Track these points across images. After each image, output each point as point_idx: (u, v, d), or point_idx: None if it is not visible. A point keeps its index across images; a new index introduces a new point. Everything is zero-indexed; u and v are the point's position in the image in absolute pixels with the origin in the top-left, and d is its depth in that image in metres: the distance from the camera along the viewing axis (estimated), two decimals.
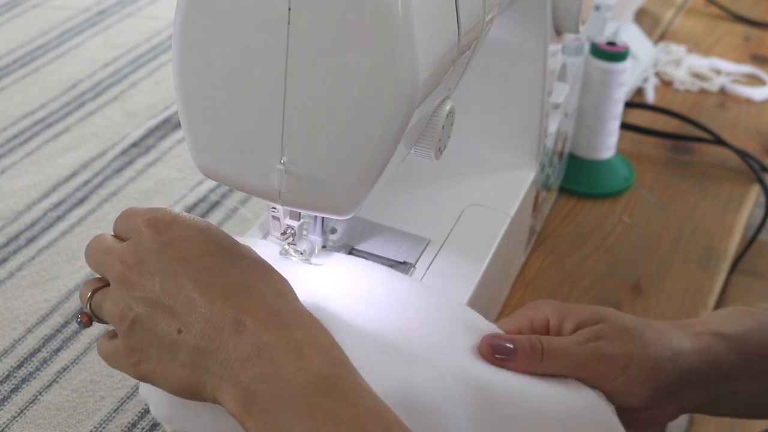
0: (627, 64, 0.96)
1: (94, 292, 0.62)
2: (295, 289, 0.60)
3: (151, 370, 0.59)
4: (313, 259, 0.70)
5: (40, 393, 0.72)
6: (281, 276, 0.61)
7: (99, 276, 0.63)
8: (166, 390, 0.59)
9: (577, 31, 0.79)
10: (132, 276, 0.59)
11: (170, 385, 0.59)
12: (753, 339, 0.68)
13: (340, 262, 0.70)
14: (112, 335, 0.62)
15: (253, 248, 0.67)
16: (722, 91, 1.18)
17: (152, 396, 0.65)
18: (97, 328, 0.76)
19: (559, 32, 0.79)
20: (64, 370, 0.74)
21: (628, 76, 0.97)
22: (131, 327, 0.59)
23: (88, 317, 0.62)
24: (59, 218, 0.88)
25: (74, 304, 0.79)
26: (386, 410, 0.55)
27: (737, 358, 0.67)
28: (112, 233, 0.64)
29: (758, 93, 1.17)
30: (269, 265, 0.61)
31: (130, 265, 0.59)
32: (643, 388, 0.66)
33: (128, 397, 0.72)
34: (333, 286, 0.67)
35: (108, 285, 0.61)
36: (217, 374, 0.56)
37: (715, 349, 0.67)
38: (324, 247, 0.71)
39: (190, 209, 0.90)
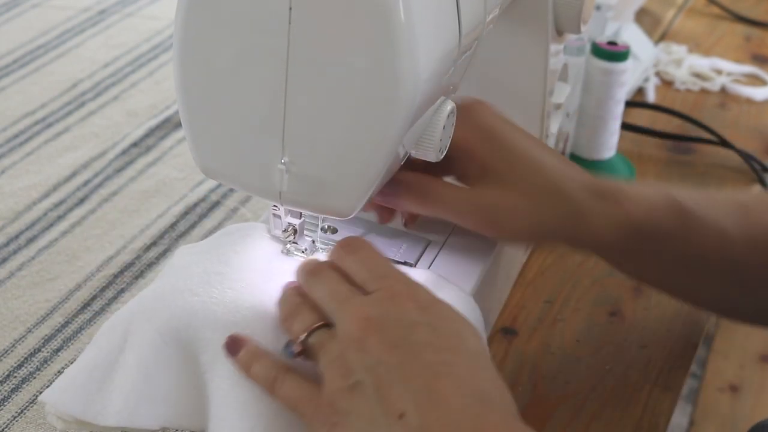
0: (628, 64, 0.96)
1: (314, 328, 0.57)
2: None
3: None
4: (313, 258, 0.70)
5: (40, 393, 0.72)
6: (511, 396, 0.55)
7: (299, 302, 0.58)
8: None
9: (578, 32, 0.79)
10: (371, 339, 0.53)
11: None
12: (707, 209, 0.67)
13: None
14: (304, 378, 0.57)
15: (256, 244, 0.67)
16: (723, 91, 1.18)
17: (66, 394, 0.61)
18: (97, 328, 0.76)
19: (560, 32, 0.79)
20: (64, 370, 0.73)
21: (629, 76, 0.97)
22: (351, 390, 0.53)
23: (303, 351, 0.57)
24: (59, 218, 0.88)
25: (74, 304, 0.79)
26: None
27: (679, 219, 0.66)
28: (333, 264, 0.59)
29: (759, 93, 1.17)
30: (501, 377, 0.55)
31: (372, 327, 0.54)
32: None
33: None
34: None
35: (324, 326, 0.57)
36: None
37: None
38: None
39: (190, 209, 0.90)
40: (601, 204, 0.66)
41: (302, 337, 0.57)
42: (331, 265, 0.60)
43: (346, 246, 0.60)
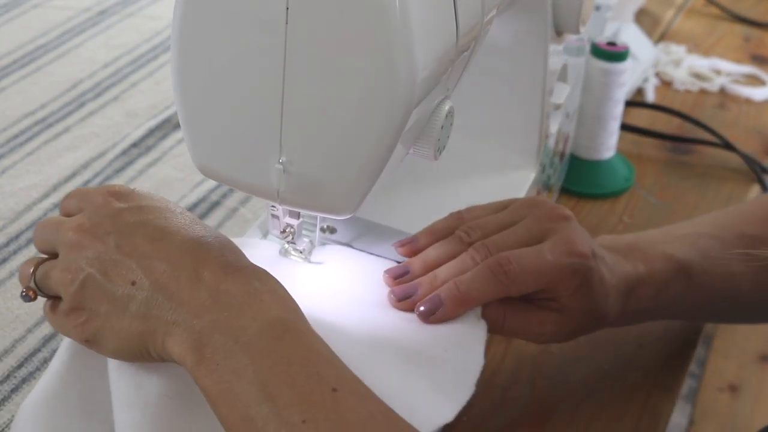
0: (627, 65, 0.96)
1: (38, 264, 0.62)
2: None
3: (99, 326, 0.58)
4: (312, 257, 0.70)
5: None
6: (231, 240, 0.61)
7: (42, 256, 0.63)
8: (111, 351, 0.59)
9: (577, 32, 0.79)
10: (86, 238, 0.59)
11: (117, 341, 0.58)
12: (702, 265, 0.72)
13: (339, 257, 0.71)
14: (58, 301, 0.61)
15: (253, 248, 0.68)
16: (722, 92, 1.18)
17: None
18: None
19: (559, 33, 0.79)
20: None
21: (628, 77, 0.97)
22: (81, 286, 0.58)
23: (33, 291, 0.62)
24: None
25: None
26: (337, 359, 0.56)
27: (685, 281, 0.71)
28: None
29: (758, 93, 1.17)
30: (218, 231, 0.62)
31: (84, 228, 0.60)
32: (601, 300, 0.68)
33: None
34: (331, 285, 0.67)
35: (48, 260, 0.61)
36: (170, 321, 0.56)
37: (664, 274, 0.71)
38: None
39: (190, 209, 0.90)
40: (626, 302, 0.71)
41: (29, 275, 0.62)
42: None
43: (71, 193, 0.65)
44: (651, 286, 0.71)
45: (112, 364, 0.60)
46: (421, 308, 0.65)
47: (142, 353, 0.58)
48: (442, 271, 0.67)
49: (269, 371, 0.53)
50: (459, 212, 0.72)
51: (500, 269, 0.65)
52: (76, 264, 0.59)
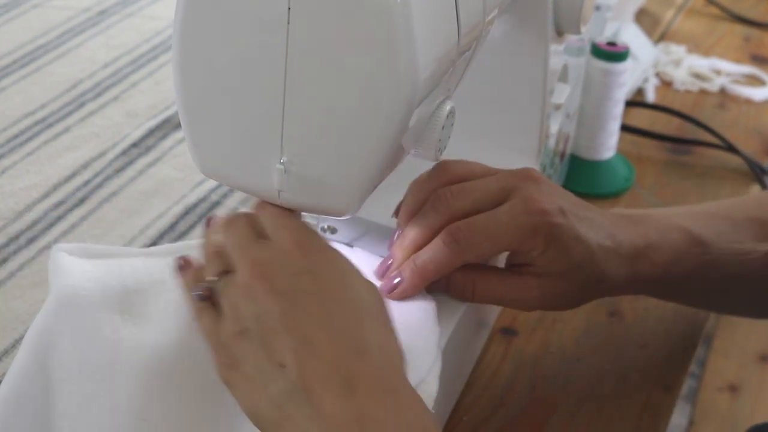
0: (627, 65, 0.96)
1: (224, 274, 0.58)
2: None
3: (238, 382, 0.56)
4: None
5: None
6: (400, 347, 0.57)
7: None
8: (241, 406, 0.56)
9: (578, 32, 0.79)
10: (259, 287, 0.55)
11: (248, 408, 0.55)
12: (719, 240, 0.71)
13: None
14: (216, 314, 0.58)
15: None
16: (722, 92, 1.18)
17: None
18: None
19: (560, 33, 0.79)
20: None
21: (628, 77, 0.97)
22: (240, 335, 0.55)
23: (210, 294, 0.59)
24: (59, 218, 0.88)
25: None
26: None
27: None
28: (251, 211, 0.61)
29: (758, 93, 1.17)
30: (393, 328, 0.58)
31: (260, 274, 0.56)
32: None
33: None
34: None
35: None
36: (303, 428, 0.52)
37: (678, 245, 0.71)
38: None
39: (190, 209, 0.90)
40: (635, 266, 0.70)
41: (214, 277, 0.59)
42: (246, 215, 0.61)
43: (263, 202, 0.61)
44: (665, 253, 0.70)
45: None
46: (387, 288, 0.66)
47: (263, 429, 0.55)
48: (419, 256, 0.67)
49: None
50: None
51: (450, 238, 0.65)
52: (244, 309, 0.56)
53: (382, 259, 0.70)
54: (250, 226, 0.60)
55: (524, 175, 0.69)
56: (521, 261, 0.68)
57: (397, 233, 0.69)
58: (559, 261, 0.67)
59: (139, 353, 0.60)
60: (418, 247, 0.67)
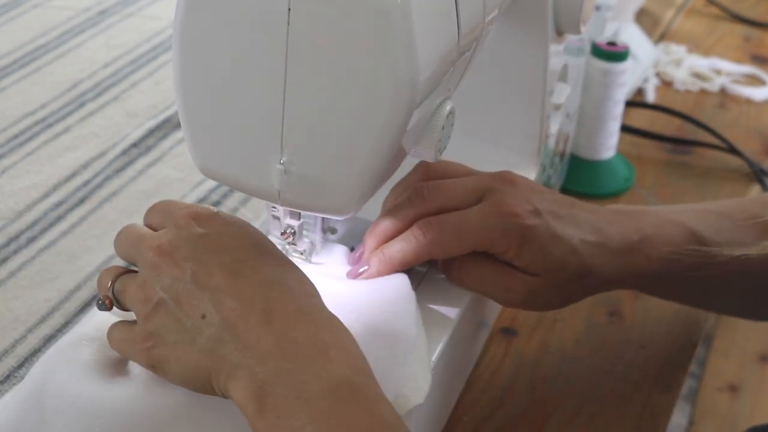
0: (627, 65, 0.96)
1: (117, 276, 0.61)
2: None
3: (166, 355, 0.58)
4: (314, 259, 0.70)
5: None
6: (310, 279, 0.60)
7: (122, 265, 0.63)
8: (175, 379, 0.58)
9: (578, 32, 0.79)
10: (164, 261, 0.58)
11: (181, 372, 0.58)
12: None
13: (341, 259, 0.71)
14: (126, 323, 0.61)
15: None
16: (722, 92, 1.18)
17: None
18: None
19: (560, 33, 0.79)
20: None
21: (628, 77, 0.97)
22: (154, 310, 0.58)
23: (110, 300, 0.62)
24: (59, 218, 0.88)
25: (74, 304, 0.79)
26: (401, 426, 0.54)
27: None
28: (143, 224, 0.64)
29: (758, 93, 1.17)
30: (298, 267, 0.61)
31: (164, 251, 0.59)
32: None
33: None
34: (332, 286, 0.67)
35: (128, 273, 0.62)
36: (235, 362, 0.55)
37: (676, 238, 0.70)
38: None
39: None
40: (627, 260, 0.70)
41: (108, 285, 0.61)
42: (128, 225, 0.64)
43: (156, 205, 0.64)
44: (660, 248, 0.70)
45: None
46: (354, 271, 0.68)
47: (206, 388, 0.57)
48: (387, 246, 0.68)
49: None
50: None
51: (419, 231, 0.67)
52: (152, 286, 0.58)
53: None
54: (138, 227, 0.63)
55: (501, 177, 0.70)
56: (503, 259, 0.68)
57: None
58: (537, 261, 0.67)
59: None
60: (389, 236, 0.69)
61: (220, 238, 0.59)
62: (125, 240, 0.63)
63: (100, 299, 0.62)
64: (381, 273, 0.68)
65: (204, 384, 0.57)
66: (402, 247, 0.67)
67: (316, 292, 0.60)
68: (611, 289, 0.73)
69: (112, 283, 0.61)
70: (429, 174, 0.71)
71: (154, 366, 0.59)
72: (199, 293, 0.57)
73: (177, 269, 0.58)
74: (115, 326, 0.62)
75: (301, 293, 0.58)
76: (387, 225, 0.69)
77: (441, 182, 0.70)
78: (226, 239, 0.59)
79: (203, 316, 0.56)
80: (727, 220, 0.73)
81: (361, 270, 0.68)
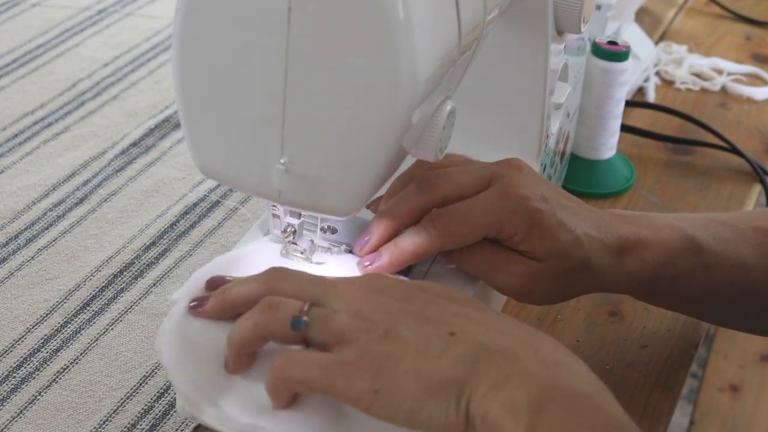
0: (628, 64, 0.96)
1: (312, 305, 0.58)
2: None
3: (398, 373, 0.54)
4: (314, 258, 0.70)
5: (40, 393, 0.72)
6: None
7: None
8: (403, 398, 0.54)
9: (578, 31, 0.78)
10: (383, 299, 0.58)
11: (418, 384, 0.54)
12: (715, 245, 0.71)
13: (341, 260, 0.71)
14: (305, 353, 0.58)
15: (254, 252, 0.67)
16: (723, 91, 1.18)
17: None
18: (97, 328, 0.76)
19: (560, 32, 0.79)
20: (64, 370, 0.73)
21: (629, 76, 0.97)
22: (383, 337, 0.56)
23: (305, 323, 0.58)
24: (59, 218, 0.88)
25: (74, 304, 0.79)
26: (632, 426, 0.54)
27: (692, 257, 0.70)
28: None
29: (760, 92, 1.17)
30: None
31: (376, 292, 0.58)
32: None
33: (128, 398, 0.71)
34: None
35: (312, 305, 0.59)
36: (505, 371, 0.53)
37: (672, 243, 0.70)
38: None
39: (190, 209, 0.90)
40: (622, 260, 0.70)
41: (305, 309, 0.58)
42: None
43: (277, 271, 0.62)
44: (656, 251, 0.70)
45: None
46: (365, 263, 0.68)
47: (439, 405, 0.54)
48: (400, 238, 0.68)
49: None
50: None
51: (429, 224, 0.67)
52: (376, 317, 0.56)
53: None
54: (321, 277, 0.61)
55: (508, 163, 0.70)
56: (509, 245, 0.69)
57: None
58: (544, 245, 0.67)
59: None
60: (397, 223, 0.69)
61: (430, 289, 0.60)
62: (300, 282, 0.60)
63: (300, 319, 0.57)
64: (392, 265, 0.68)
65: (440, 400, 0.53)
66: (414, 240, 0.67)
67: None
68: (603, 290, 0.73)
69: (308, 310, 0.58)
70: (431, 166, 0.71)
71: (378, 390, 0.54)
72: (439, 319, 0.56)
73: (402, 304, 0.57)
74: (310, 354, 0.58)
75: (538, 339, 0.58)
76: (395, 213, 0.69)
77: (447, 170, 0.70)
78: (445, 297, 0.60)
79: (452, 334, 0.55)
80: (729, 229, 0.73)
81: (375, 261, 0.68)
